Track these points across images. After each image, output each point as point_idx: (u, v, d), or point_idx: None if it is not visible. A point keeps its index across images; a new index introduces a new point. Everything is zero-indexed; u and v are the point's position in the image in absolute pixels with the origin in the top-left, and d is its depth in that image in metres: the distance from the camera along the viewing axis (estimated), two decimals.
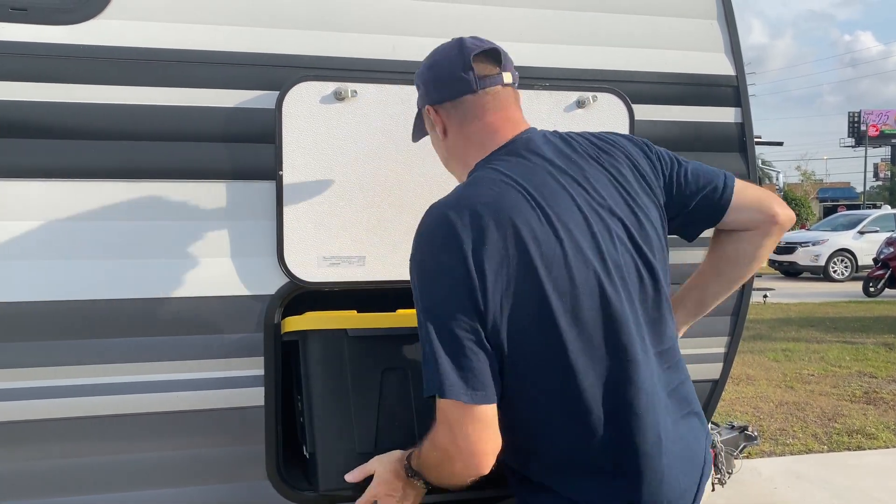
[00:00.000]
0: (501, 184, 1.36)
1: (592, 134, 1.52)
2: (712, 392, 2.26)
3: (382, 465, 1.53)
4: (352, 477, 1.57)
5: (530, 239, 1.31)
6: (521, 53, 2.00)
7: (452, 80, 1.44)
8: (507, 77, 1.47)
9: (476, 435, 1.28)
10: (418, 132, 1.64)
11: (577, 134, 1.51)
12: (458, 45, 1.46)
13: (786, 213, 1.59)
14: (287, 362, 1.94)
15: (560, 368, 1.32)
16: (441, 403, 1.29)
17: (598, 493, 1.36)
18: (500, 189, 1.35)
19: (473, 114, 1.45)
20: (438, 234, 1.34)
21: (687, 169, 1.55)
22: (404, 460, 1.48)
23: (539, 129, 1.49)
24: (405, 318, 1.75)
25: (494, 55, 1.46)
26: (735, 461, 3.33)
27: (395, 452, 1.53)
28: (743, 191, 1.57)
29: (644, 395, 1.35)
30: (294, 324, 1.82)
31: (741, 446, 3.42)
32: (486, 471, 1.31)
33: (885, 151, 51.55)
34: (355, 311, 1.79)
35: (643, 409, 1.35)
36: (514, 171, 1.38)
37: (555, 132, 1.51)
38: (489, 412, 1.29)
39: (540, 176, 1.39)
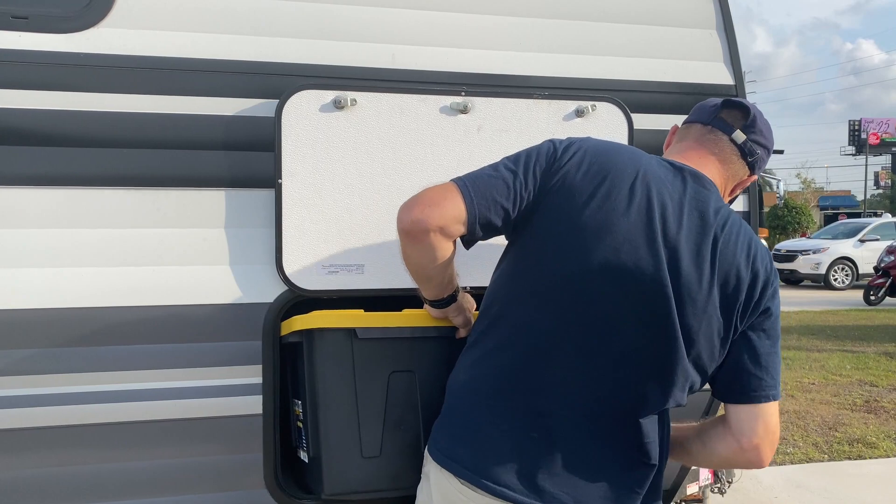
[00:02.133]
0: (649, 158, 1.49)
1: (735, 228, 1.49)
2: (711, 402, 2.25)
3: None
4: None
5: (624, 197, 1.39)
6: (520, 63, 2.01)
7: (699, 110, 1.65)
8: (738, 133, 1.57)
9: (435, 195, 1.39)
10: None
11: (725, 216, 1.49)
12: (739, 103, 1.59)
13: (753, 458, 1.49)
14: (283, 368, 1.94)
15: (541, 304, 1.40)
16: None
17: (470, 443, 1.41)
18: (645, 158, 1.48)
19: (679, 136, 1.69)
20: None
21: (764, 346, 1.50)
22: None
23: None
24: (413, 317, 1.72)
25: (742, 108, 1.58)
26: (735, 470, 3.33)
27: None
28: (763, 414, 1.47)
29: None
30: (299, 323, 1.73)
31: None
32: (422, 222, 1.37)
33: (885, 160, 51.60)
34: (363, 311, 1.71)
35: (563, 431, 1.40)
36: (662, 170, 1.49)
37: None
38: (456, 192, 1.38)
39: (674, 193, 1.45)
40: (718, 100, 1.58)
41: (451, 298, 1.60)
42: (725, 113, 1.55)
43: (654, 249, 1.38)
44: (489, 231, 1.43)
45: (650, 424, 1.45)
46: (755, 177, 1.61)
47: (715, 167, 1.54)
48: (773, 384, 1.47)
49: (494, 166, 1.44)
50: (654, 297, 1.37)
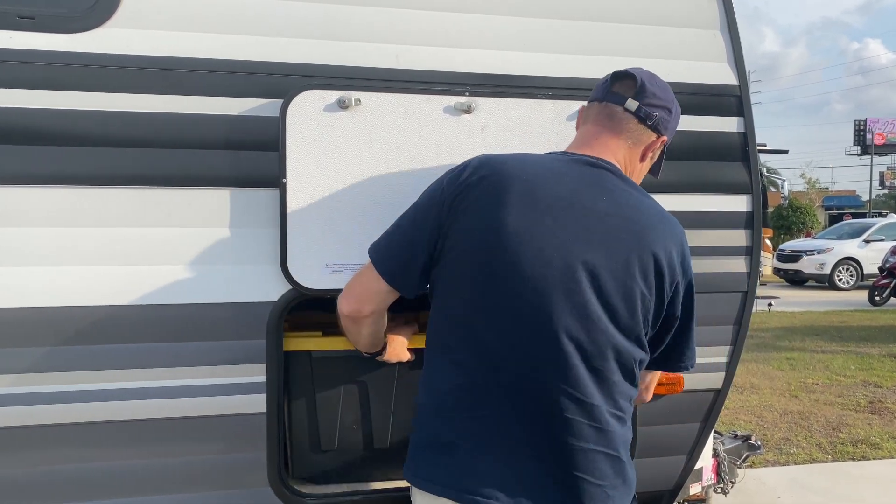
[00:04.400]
0: (534, 169, 1.52)
1: (634, 201, 1.57)
2: (714, 401, 2.25)
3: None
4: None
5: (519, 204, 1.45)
6: (524, 63, 2.01)
7: (598, 87, 1.68)
8: (631, 101, 1.62)
9: (358, 283, 1.59)
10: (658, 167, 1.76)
11: (624, 191, 1.56)
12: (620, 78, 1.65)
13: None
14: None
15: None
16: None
17: (428, 459, 1.53)
18: (531, 170, 1.51)
19: (585, 116, 1.68)
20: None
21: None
22: None
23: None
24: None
25: (629, 77, 1.64)
26: (738, 470, 3.33)
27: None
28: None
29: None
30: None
31: (744, 455, 3.42)
32: (347, 313, 1.59)
33: (890, 160, 51.44)
34: (321, 333, 2.02)
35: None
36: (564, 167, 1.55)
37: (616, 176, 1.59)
38: (383, 284, 1.54)
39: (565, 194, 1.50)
40: (609, 77, 1.64)
41: (383, 350, 1.84)
42: (617, 86, 1.61)
43: (556, 241, 1.44)
44: (421, 278, 1.55)
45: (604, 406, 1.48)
46: (665, 138, 1.64)
47: (613, 141, 1.59)
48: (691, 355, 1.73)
49: (397, 222, 1.58)
50: (568, 279, 1.42)
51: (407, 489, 1.89)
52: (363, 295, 1.58)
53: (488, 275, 1.44)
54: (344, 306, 1.59)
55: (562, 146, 1.99)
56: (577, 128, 1.69)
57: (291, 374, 2.01)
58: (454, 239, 1.47)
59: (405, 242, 1.53)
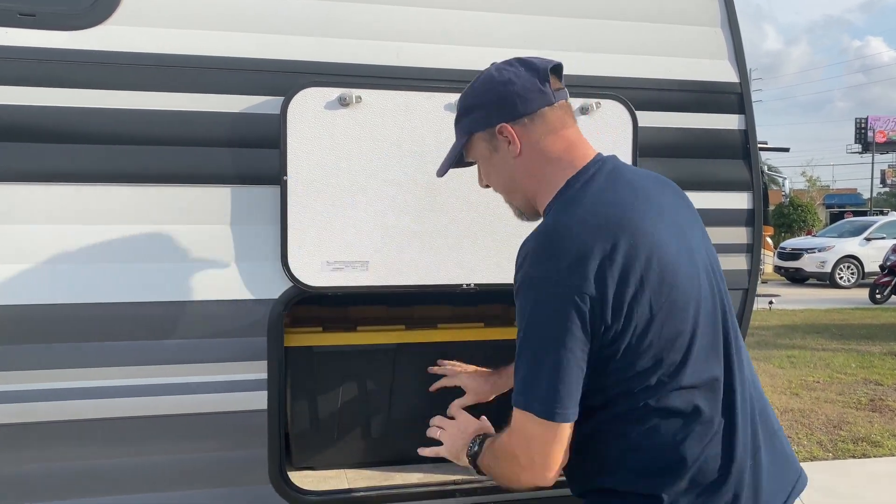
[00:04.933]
0: (619, 197, 1.35)
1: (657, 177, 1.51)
2: None
3: (454, 432, 1.61)
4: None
5: (655, 247, 1.30)
6: None
7: (531, 92, 1.40)
8: (567, 94, 1.46)
9: (554, 452, 1.29)
10: (449, 164, 1.55)
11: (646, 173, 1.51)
12: (521, 62, 1.44)
13: None
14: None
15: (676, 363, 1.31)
16: (522, 415, 1.29)
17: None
18: (622, 201, 1.34)
19: (552, 127, 1.41)
20: (563, 247, 1.28)
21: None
22: (469, 440, 1.53)
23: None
24: (363, 336, 2.14)
25: (559, 70, 1.45)
26: None
27: (470, 425, 1.59)
28: None
29: (742, 404, 1.36)
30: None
31: None
32: (551, 484, 1.32)
33: (892, 158, 51.39)
34: (321, 328, 2.10)
35: (742, 420, 1.35)
36: (624, 188, 1.38)
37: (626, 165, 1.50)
38: (569, 430, 1.30)
39: (649, 196, 1.39)
40: (530, 76, 1.41)
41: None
42: (555, 82, 1.43)
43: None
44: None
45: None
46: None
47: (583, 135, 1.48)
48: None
49: (539, 359, 1.28)
50: (708, 283, 1.39)
51: (405, 486, 1.88)
52: (554, 458, 1.30)
53: (668, 313, 1.30)
54: (531, 480, 1.33)
55: None
56: (519, 153, 1.43)
57: (293, 369, 2.05)
58: (628, 320, 1.28)
59: (573, 377, 1.28)
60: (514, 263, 1.34)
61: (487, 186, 1.55)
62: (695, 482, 1.31)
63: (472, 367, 1.99)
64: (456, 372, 1.98)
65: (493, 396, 1.90)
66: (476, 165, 1.54)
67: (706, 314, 1.35)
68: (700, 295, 1.34)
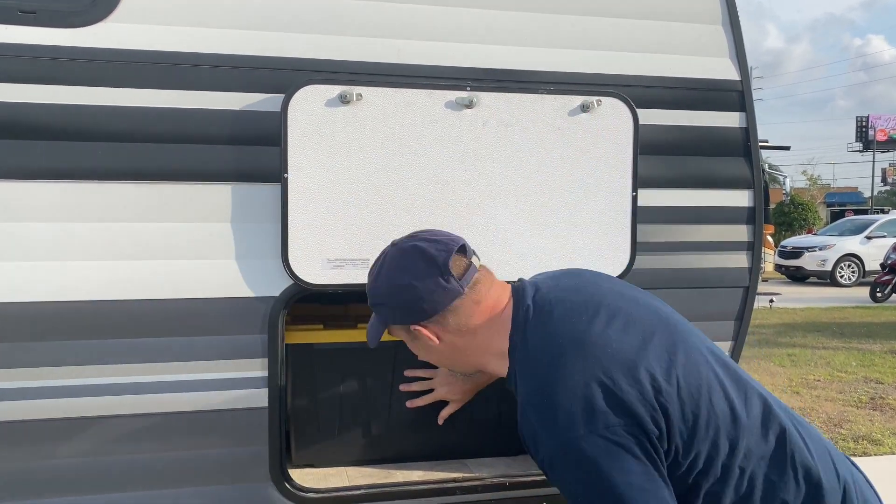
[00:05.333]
0: (583, 321, 1.33)
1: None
2: None
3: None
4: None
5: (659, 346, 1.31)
6: (526, 57, 2.01)
7: (435, 294, 1.38)
8: (476, 259, 1.46)
9: None
10: (374, 340, 1.53)
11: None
12: (420, 254, 1.42)
13: None
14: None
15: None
16: None
17: None
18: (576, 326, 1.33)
19: (467, 312, 1.41)
20: (593, 405, 1.23)
21: None
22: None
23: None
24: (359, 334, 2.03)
25: (463, 249, 1.45)
26: None
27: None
28: None
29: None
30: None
31: None
32: None
33: (893, 156, 51.33)
34: (322, 326, 2.09)
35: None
36: (572, 297, 1.40)
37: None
38: None
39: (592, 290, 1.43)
40: (431, 274, 1.41)
41: None
42: (456, 268, 1.41)
43: None
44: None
45: None
46: None
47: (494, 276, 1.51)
48: None
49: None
50: None
51: (406, 483, 1.90)
52: None
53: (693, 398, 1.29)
54: None
55: (562, 141, 2.00)
56: (455, 329, 1.43)
57: (293, 366, 2.07)
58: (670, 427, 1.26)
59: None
60: (529, 450, 1.29)
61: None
62: None
63: (443, 372, 1.94)
64: (431, 386, 1.98)
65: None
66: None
67: (720, 376, 1.34)
68: (701, 364, 1.33)
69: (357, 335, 2.13)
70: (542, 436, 1.25)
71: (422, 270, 1.39)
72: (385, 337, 1.54)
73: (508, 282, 1.50)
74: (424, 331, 1.43)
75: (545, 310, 1.37)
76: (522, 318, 1.38)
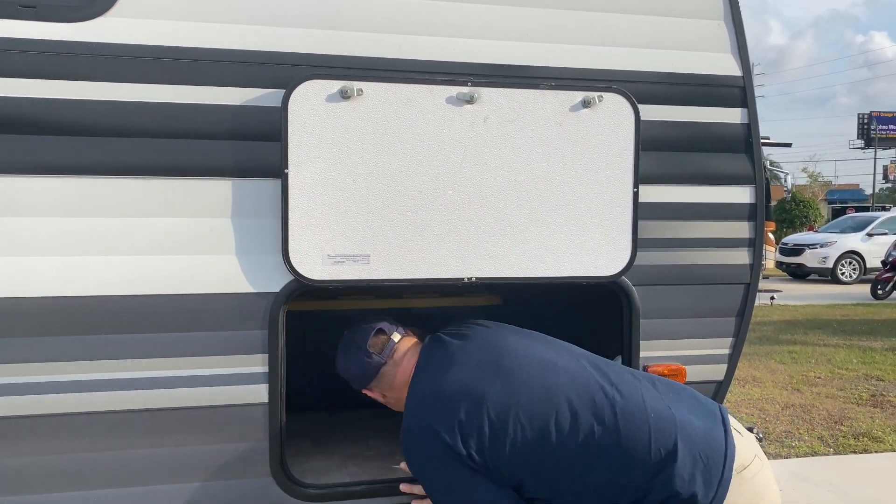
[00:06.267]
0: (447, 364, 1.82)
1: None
2: (716, 393, 2.25)
3: None
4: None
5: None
6: (527, 53, 2.01)
7: (365, 369, 1.91)
8: (395, 333, 1.94)
9: None
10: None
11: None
12: (351, 345, 1.93)
13: None
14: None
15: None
16: None
17: None
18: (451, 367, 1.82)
19: (393, 373, 1.91)
20: (421, 442, 1.77)
21: None
22: None
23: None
24: None
25: (379, 332, 1.94)
26: None
27: None
28: None
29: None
30: None
31: None
32: None
33: (894, 153, 51.22)
34: None
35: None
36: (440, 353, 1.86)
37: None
38: None
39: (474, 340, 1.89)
40: (359, 357, 1.93)
41: None
42: (375, 346, 1.92)
43: None
44: None
45: None
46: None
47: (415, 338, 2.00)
48: None
49: None
50: None
51: (408, 479, 1.90)
52: None
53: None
54: None
55: (563, 136, 1.99)
56: (388, 387, 1.95)
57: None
58: None
59: None
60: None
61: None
62: None
63: None
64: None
65: None
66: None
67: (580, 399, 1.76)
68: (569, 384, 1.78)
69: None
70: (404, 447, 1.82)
71: (351, 356, 1.94)
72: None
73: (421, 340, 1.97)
74: (370, 394, 1.97)
75: (424, 367, 1.86)
76: (414, 376, 1.86)
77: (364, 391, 1.96)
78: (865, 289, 14.37)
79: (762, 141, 2.30)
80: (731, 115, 2.17)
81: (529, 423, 1.69)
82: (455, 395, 1.74)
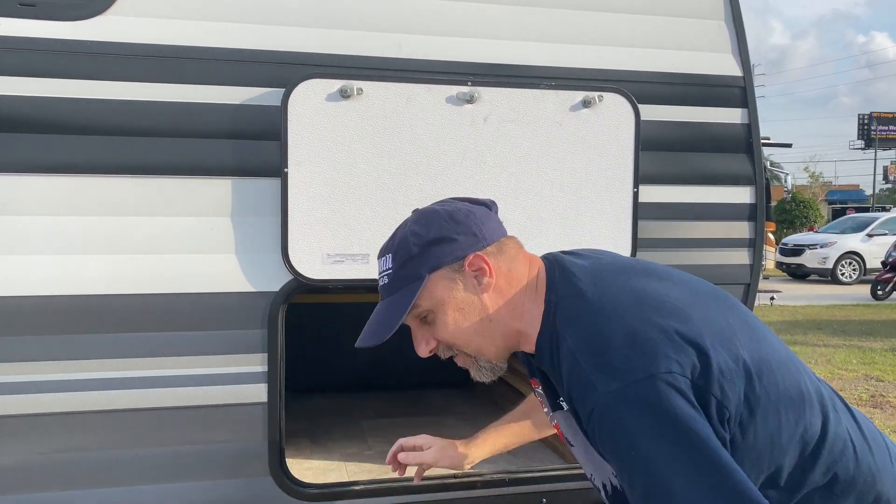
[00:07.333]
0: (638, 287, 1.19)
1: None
2: None
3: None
4: None
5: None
6: (527, 52, 2.00)
7: (490, 221, 1.26)
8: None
9: None
10: (391, 328, 1.22)
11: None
12: (458, 199, 1.31)
13: None
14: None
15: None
16: None
17: None
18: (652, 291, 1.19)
19: (513, 254, 1.25)
20: (655, 349, 1.08)
21: None
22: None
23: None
24: None
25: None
26: None
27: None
28: None
29: None
30: None
31: None
32: None
33: (895, 154, 51.25)
34: None
35: None
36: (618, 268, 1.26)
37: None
38: None
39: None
40: (481, 207, 1.28)
41: None
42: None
43: None
44: None
45: None
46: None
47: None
48: None
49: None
50: None
51: (405, 479, 1.90)
52: None
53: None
54: None
55: (563, 136, 1.99)
56: (507, 272, 1.24)
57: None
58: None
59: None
60: (576, 405, 1.13)
61: (433, 351, 1.29)
62: None
63: (437, 443, 1.63)
64: (424, 460, 1.63)
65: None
66: (418, 322, 1.26)
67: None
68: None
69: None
70: (595, 381, 1.07)
71: (468, 204, 1.27)
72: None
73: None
74: (485, 263, 1.21)
75: (584, 267, 1.23)
76: (560, 277, 1.22)
77: (472, 257, 1.20)
78: (865, 289, 14.36)
79: (762, 141, 2.30)
80: (732, 116, 2.17)
81: (788, 405, 1.14)
82: (695, 321, 1.11)
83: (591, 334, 1.13)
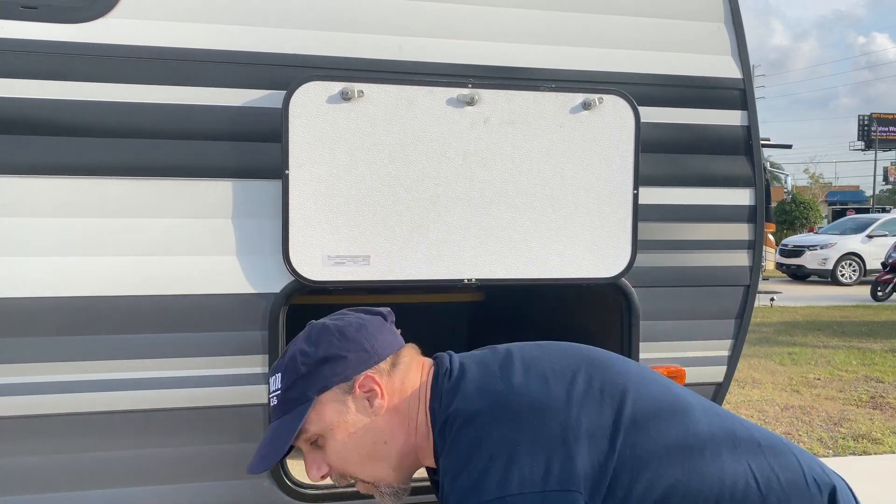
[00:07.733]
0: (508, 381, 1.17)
1: None
2: (715, 395, 2.26)
3: None
4: None
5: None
6: (526, 54, 2.01)
7: (384, 334, 1.23)
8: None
9: None
10: (279, 455, 1.22)
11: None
12: (353, 310, 1.30)
13: None
14: None
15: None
16: None
17: None
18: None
19: (409, 364, 1.23)
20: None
21: None
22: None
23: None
24: None
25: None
26: None
27: None
28: None
29: None
30: None
31: None
32: None
33: (895, 155, 51.24)
34: None
35: None
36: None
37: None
38: None
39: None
40: (374, 318, 1.28)
41: None
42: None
43: None
44: None
45: None
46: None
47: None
48: None
49: None
50: None
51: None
52: None
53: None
54: None
55: (563, 138, 1.99)
56: (399, 388, 1.22)
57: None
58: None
59: None
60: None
61: (326, 477, 1.26)
62: None
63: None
64: None
65: None
66: (309, 446, 1.23)
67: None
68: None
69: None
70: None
71: (363, 315, 1.26)
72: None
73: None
74: (376, 384, 1.20)
75: (462, 369, 1.20)
76: (442, 383, 1.19)
77: (363, 376, 1.20)
78: (865, 290, 14.37)
79: (763, 142, 2.30)
80: (732, 118, 2.17)
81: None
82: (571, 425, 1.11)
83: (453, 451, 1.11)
